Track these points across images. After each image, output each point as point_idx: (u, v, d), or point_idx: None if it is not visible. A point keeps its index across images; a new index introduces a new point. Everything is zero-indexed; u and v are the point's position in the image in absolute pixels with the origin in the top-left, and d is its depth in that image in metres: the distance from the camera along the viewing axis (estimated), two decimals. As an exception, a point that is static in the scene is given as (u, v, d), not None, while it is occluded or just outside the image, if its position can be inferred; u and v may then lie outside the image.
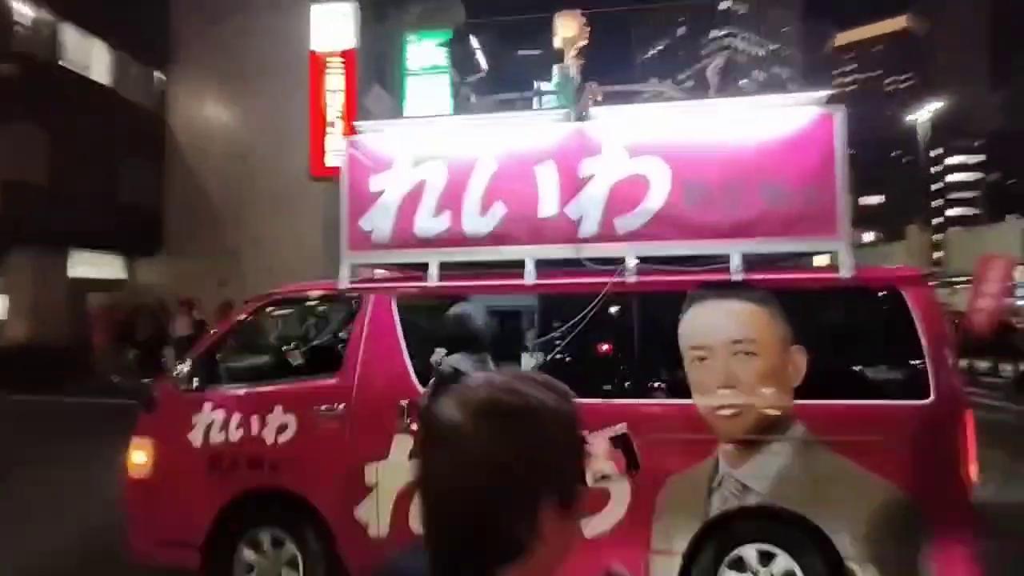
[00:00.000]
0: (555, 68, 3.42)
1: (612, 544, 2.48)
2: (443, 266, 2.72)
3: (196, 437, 2.66)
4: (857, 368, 2.67)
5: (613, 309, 2.67)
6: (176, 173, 16.14)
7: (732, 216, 2.60)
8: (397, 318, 2.69)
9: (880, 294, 2.69)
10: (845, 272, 2.54)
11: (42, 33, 15.14)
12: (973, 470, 2.40)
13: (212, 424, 2.65)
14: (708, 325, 2.59)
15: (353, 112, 14.14)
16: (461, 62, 16.43)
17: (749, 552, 2.47)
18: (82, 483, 4.16)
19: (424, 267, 2.72)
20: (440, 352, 2.46)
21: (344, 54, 17.10)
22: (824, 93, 2.63)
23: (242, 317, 2.92)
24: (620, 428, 0.73)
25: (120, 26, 16.41)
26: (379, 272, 3.18)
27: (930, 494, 2.39)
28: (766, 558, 2.46)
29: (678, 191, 2.63)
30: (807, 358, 2.50)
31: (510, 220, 2.68)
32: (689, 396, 2.52)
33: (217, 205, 15.33)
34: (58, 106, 14.00)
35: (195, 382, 2.71)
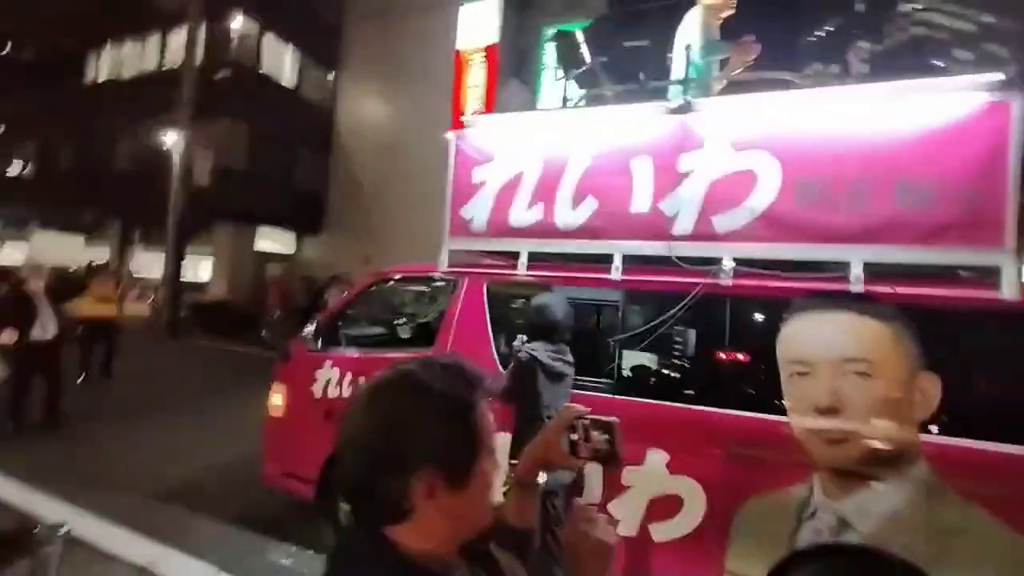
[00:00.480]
0: (692, 32, 3.08)
1: (682, 552, 2.39)
2: (535, 256, 2.82)
3: (316, 389, 3.13)
4: (1012, 408, 2.19)
5: (705, 312, 2.53)
6: (339, 162, 18.45)
7: (855, 218, 2.29)
8: (486, 302, 2.85)
9: None
10: (1009, 292, 2.10)
11: (248, 44, 18.23)
12: None
13: (329, 380, 3.09)
14: (814, 338, 2.32)
15: (491, 105, 14.82)
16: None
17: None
18: (237, 419, 5.04)
19: (516, 256, 2.84)
20: (522, 338, 2.57)
21: (486, 49, 18.01)
22: (996, 77, 2.16)
23: (360, 291, 3.34)
24: (611, 417, 0.87)
25: (304, 34, 19.10)
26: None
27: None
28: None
29: (789, 189, 2.38)
30: (941, 389, 2.13)
31: (601, 214, 2.67)
32: (783, 413, 2.30)
33: (369, 190, 17.19)
34: (256, 105, 16.84)
35: (319, 343, 3.18)
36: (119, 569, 2.81)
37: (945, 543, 2.05)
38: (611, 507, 2.51)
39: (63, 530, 1.95)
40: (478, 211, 2.92)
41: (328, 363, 3.12)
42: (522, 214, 2.81)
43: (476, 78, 17.04)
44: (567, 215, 2.72)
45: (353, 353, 3.19)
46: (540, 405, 2.37)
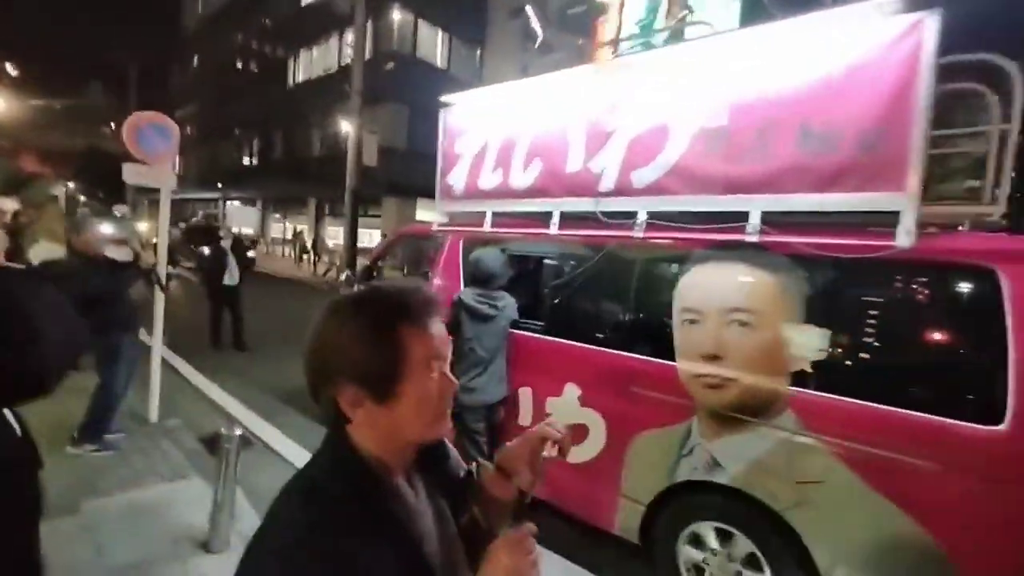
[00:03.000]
0: None
1: (588, 474, 2.75)
2: (500, 215, 3.29)
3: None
4: (892, 365, 2.03)
5: (619, 263, 2.75)
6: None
7: (757, 167, 2.30)
8: (461, 254, 3.42)
9: (956, 273, 1.94)
10: (903, 240, 1.97)
11: (405, 33, 20.48)
12: None
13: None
14: (705, 288, 2.42)
15: None
16: None
17: (707, 530, 2.37)
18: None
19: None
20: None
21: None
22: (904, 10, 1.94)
23: (389, 244, 4.16)
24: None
25: (452, 16, 20.71)
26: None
27: (969, 558, 1.80)
28: (726, 538, 2.32)
29: (700, 141, 2.46)
30: (819, 342, 2.11)
31: (545, 175, 3.01)
32: (674, 358, 2.47)
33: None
34: (413, 88, 19.05)
35: (356, 284, 4.13)
36: (281, 465, 3.60)
37: (804, 492, 2.11)
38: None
39: (239, 432, 2.59)
40: (457, 178, 3.48)
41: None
42: (488, 179, 3.29)
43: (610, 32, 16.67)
44: (519, 178, 3.12)
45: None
46: (465, 339, 2.90)
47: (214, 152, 29.72)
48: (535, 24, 3.36)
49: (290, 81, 24.49)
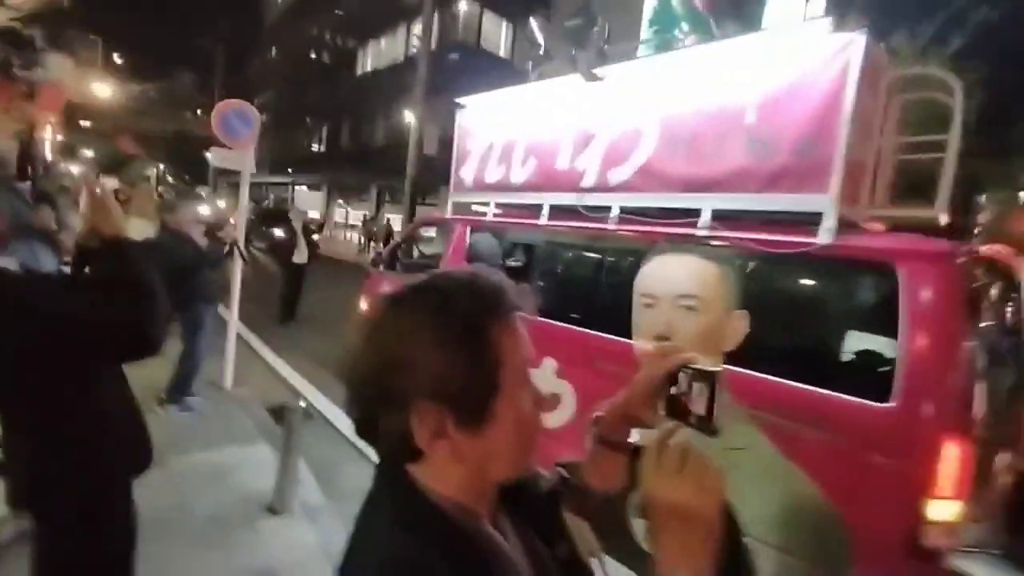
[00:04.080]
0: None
1: (560, 439, 3.17)
2: (502, 205, 3.74)
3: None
4: (807, 348, 2.30)
5: (597, 251, 3.13)
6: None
7: (710, 169, 2.62)
8: (467, 242, 3.91)
9: (865, 268, 2.18)
10: (823, 237, 2.25)
11: (470, 24, 21.16)
12: (937, 510, 1.95)
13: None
14: (660, 275, 2.76)
15: None
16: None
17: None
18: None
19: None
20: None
21: None
22: (843, 29, 2.19)
23: (411, 231, 4.71)
24: (716, 366, 0.68)
25: (520, 9, 21.18)
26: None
27: (862, 520, 2.09)
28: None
29: (664, 144, 2.80)
30: (748, 326, 2.43)
31: (538, 172, 3.43)
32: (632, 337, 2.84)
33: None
34: (477, 79, 19.73)
35: (382, 267, 4.72)
36: (339, 438, 3.87)
37: (729, 458, 2.43)
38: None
39: (303, 404, 2.84)
40: (467, 172, 3.97)
41: (386, 281, 4.64)
42: (492, 173, 3.75)
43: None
44: (518, 173, 3.56)
45: (399, 275, 4.65)
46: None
47: (286, 138, 31.97)
48: (537, 34, 3.76)
49: (359, 71, 25.92)
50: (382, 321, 0.57)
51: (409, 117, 17.80)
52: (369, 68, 25.33)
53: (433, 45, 17.80)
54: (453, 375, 0.53)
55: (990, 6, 11.06)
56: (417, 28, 19.10)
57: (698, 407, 0.67)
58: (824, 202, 2.26)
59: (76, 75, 13.24)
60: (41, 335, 1.06)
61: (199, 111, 37.86)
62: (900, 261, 2.07)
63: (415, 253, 5.20)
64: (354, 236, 24.12)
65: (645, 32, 3.72)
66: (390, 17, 23.01)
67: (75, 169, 19.18)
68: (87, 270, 1.30)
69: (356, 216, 25.48)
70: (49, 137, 12.39)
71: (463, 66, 20.13)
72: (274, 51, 35.48)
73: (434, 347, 0.53)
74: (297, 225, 8.13)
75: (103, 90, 16.32)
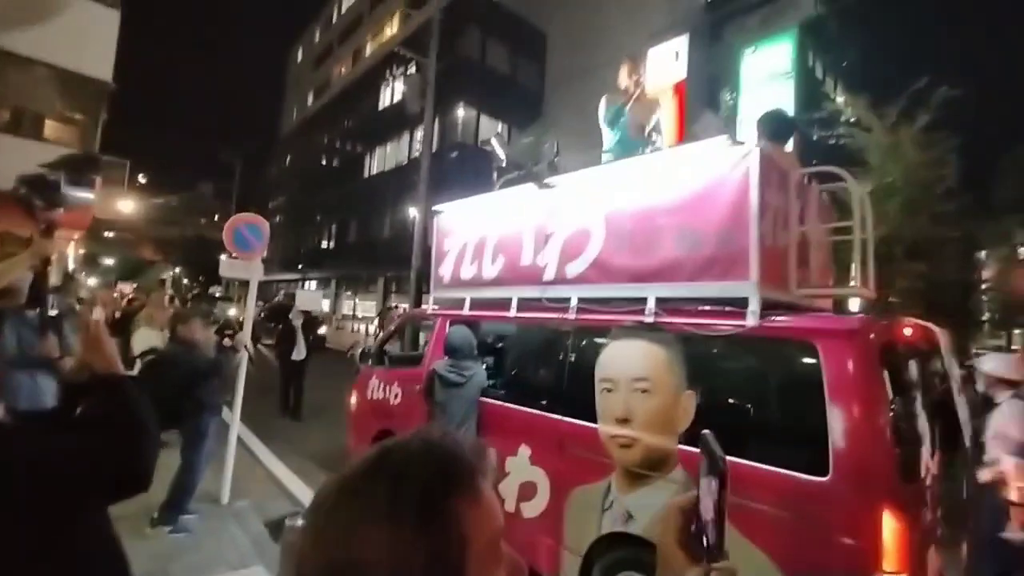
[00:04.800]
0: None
1: (538, 526, 3.24)
2: (477, 300, 4.06)
3: (369, 393, 4.89)
4: (747, 425, 2.45)
5: (560, 340, 3.37)
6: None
7: (651, 262, 2.93)
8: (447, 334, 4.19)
9: (789, 346, 2.39)
10: (749, 320, 2.49)
11: (468, 126, 22.98)
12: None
13: (374, 387, 4.82)
14: (617, 361, 2.98)
15: (682, 138, 15.49)
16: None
17: (627, 578, 2.77)
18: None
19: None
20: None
21: (675, 87, 18.89)
22: (739, 144, 2.61)
23: (398, 326, 5.02)
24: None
25: (511, 108, 23.04)
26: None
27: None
28: (642, 589, 2.71)
29: (611, 241, 3.14)
30: (696, 405, 2.61)
31: (506, 268, 3.78)
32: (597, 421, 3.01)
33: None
34: (477, 173, 21.12)
35: (370, 362, 4.98)
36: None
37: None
38: (500, 489, 3.50)
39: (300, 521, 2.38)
40: (445, 270, 4.33)
41: (373, 376, 4.87)
42: (467, 270, 4.11)
43: (664, 117, 18.05)
44: (488, 270, 3.91)
45: (385, 370, 4.88)
46: (436, 403, 3.58)
47: (298, 237, 33.68)
48: (498, 150, 4.30)
49: (366, 173, 27.85)
50: (329, 515, 0.50)
51: (413, 212, 18.87)
52: (376, 170, 27.22)
53: (434, 147, 19.26)
54: (412, 570, 0.46)
55: (949, 86, 12.05)
56: (420, 133, 20.76)
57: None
58: (747, 288, 2.53)
59: (103, 195, 14.44)
60: (23, 488, 1.00)
61: (216, 216, 40.31)
62: (819, 339, 2.29)
63: (404, 347, 5.47)
64: (361, 327, 24.60)
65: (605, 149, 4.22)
66: (395, 125, 25.09)
67: (93, 281, 20.27)
68: (80, 408, 1.26)
69: (366, 307, 26.11)
70: (71, 252, 13.30)
71: (462, 162, 21.64)
72: (288, 159, 38.35)
73: (389, 543, 0.46)
74: (297, 323, 8.53)
75: (127, 206, 17.65)
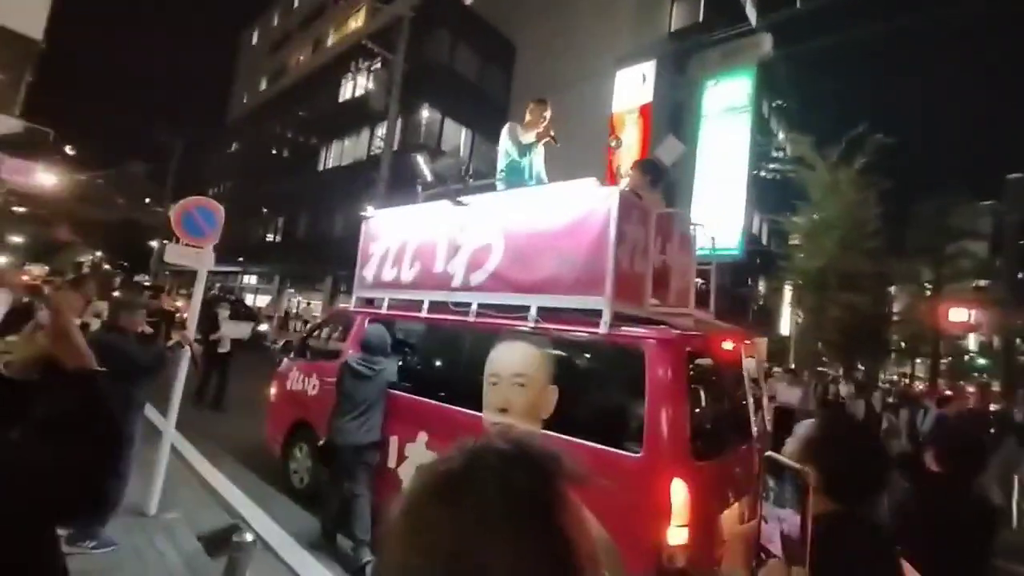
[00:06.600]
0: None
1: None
2: (394, 301, 4.70)
3: (288, 383, 5.42)
4: (591, 413, 3.20)
5: (464, 340, 4.06)
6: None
7: (535, 277, 3.65)
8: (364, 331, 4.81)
9: (626, 351, 3.15)
10: (601, 328, 3.23)
11: (432, 128, 23.62)
12: (677, 534, 2.75)
13: (294, 379, 5.36)
14: (502, 359, 3.68)
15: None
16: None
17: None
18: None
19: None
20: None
21: (641, 109, 20.37)
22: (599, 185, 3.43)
23: (320, 323, 5.59)
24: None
25: (476, 115, 23.83)
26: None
27: (627, 546, 2.86)
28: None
29: (507, 256, 3.85)
30: (557, 397, 3.33)
31: (420, 273, 4.44)
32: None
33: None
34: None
35: (292, 355, 5.53)
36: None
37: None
38: (400, 472, 4.12)
39: (250, 538, 2.29)
40: (369, 271, 4.96)
41: (294, 368, 5.42)
42: (387, 273, 4.75)
43: (630, 137, 19.32)
44: (406, 274, 4.56)
45: (304, 363, 5.43)
46: (344, 391, 4.17)
47: (240, 228, 33.25)
48: (423, 168, 5.03)
49: (320, 166, 28.00)
50: (430, 516, 0.47)
51: (371, 210, 19.21)
52: (331, 164, 27.43)
53: (396, 146, 19.76)
54: (530, 572, 0.44)
55: (884, 133, 13.72)
56: (381, 131, 21.20)
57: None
58: (601, 302, 3.28)
59: (20, 167, 14.26)
60: None
61: (147, 199, 39.32)
62: (644, 346, 3.05)
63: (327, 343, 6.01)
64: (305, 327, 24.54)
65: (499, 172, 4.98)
66: (355, 119, 25.44)
67: (1, 259, 19.67)
68: (38, 409, 1.15)
69: (314, 305, 26.15)
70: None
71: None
72: (234, 145, 37.92)
73: (507, 539, 0.45)
74: (224, 314, 8.91)
75: (48, 179, 17.33)
